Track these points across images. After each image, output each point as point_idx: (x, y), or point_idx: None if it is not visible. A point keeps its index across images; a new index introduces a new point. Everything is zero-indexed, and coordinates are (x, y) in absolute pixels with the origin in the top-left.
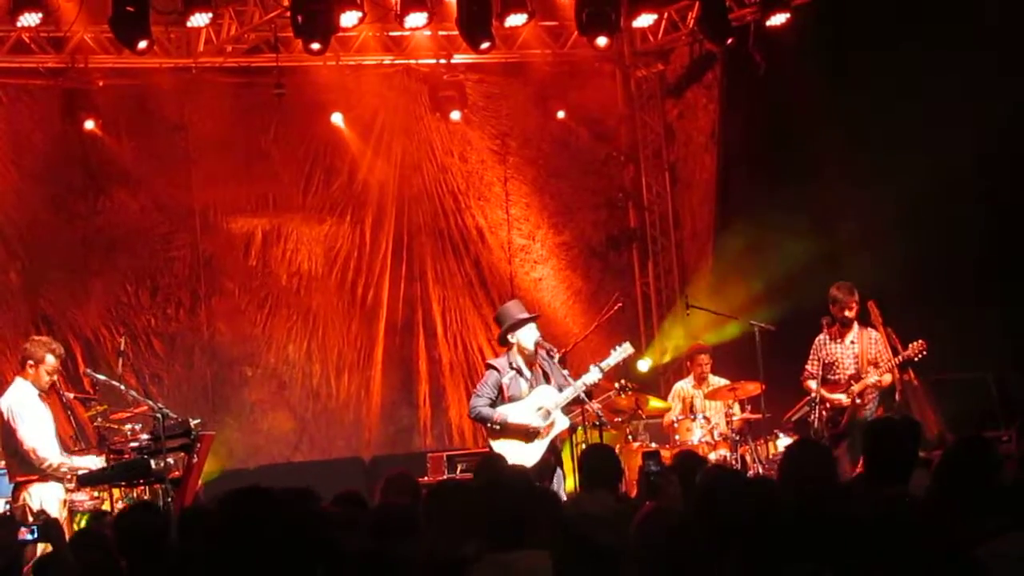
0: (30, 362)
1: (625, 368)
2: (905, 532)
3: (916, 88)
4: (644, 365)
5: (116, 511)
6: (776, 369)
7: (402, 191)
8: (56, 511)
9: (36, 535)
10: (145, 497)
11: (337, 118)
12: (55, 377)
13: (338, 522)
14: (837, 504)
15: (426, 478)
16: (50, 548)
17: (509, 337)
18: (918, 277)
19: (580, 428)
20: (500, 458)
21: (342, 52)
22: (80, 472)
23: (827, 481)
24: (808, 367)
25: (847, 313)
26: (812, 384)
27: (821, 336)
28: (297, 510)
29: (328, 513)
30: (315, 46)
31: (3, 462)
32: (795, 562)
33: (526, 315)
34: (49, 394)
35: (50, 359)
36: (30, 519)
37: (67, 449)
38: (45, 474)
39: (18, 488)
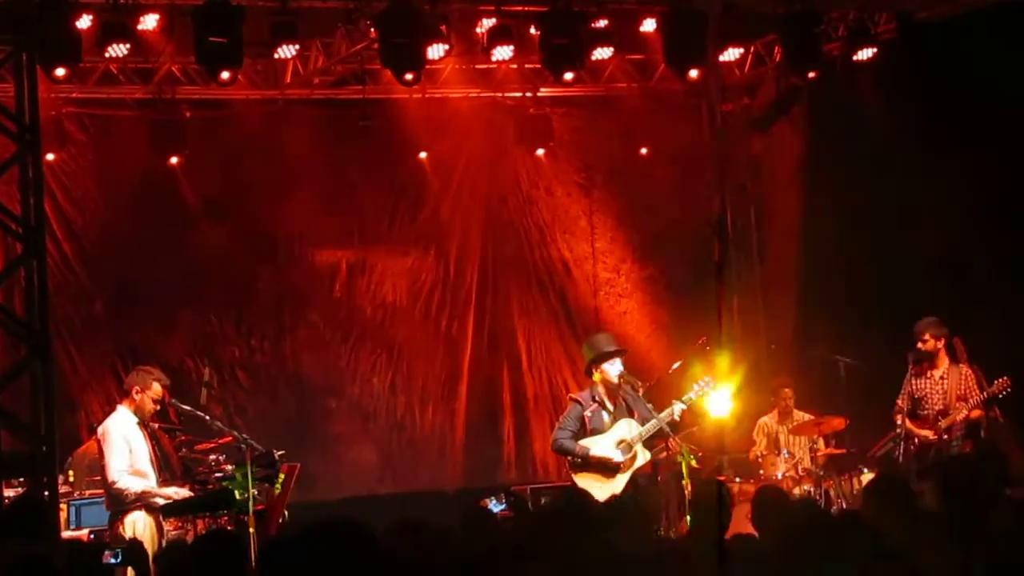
0: (136, 388)
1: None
2: None
3: (1007, 122)
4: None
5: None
6: (860, 404)
7: (487, 224)
8: (148, 539)
9: (120, 559)
10: (229, 528)
11: (423, 152)
12: (158, 406)
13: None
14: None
15: None
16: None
17: (594, 369)
18: (1005, 313)
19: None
20: (584, 494)
21: (428, 85)
22: (163, 502)
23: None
24: (899, 401)
25: (920, 345)
26: (899, 419)
27: (911, 371)
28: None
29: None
30: (408, 77)
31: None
32: None
33: (613, 348)
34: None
35: (156, 387)
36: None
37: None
38: (137, 502)
39: (114, 517)
